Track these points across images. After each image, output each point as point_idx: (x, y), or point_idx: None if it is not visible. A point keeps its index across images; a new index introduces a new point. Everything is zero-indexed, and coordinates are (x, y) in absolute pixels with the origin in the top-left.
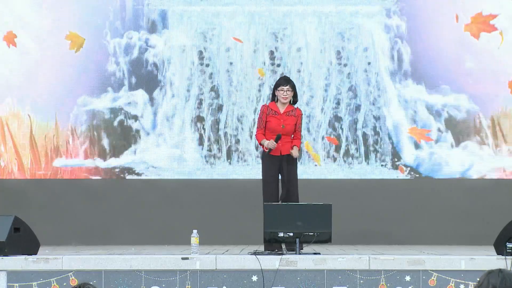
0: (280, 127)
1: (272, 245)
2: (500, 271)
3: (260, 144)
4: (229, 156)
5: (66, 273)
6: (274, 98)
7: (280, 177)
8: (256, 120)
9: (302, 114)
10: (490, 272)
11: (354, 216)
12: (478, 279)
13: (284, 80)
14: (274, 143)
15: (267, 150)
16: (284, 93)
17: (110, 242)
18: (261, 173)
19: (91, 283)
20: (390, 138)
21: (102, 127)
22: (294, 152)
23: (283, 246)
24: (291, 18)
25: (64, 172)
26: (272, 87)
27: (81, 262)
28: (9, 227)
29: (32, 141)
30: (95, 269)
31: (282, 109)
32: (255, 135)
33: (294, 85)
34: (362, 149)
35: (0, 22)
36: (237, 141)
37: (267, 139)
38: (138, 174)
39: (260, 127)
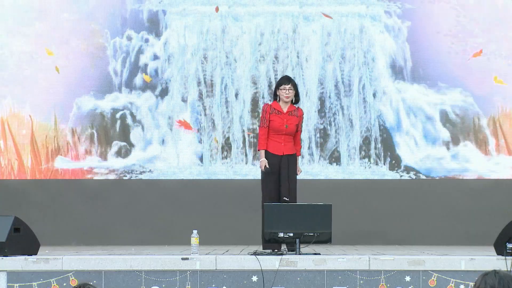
0: (283, 126)
1: (272, 245)
2: (495, 272)
3: (259, 149)
4: (229, 156)
5: (66, 274)
6: (276, 97)
7: (279, 176)
8: (259, 119)
9: (303, 115)
10: (486, 274)
11: (354, 216)
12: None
13: (286, 79)
14: (265, 167)
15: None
16: (286, 92)
17: (110, 242)
18: (260, 173)
19: (91, 283)
20: (390, 138)
21: (102, 127)
22: (299, 170)
23: (283, 246)
24: (292, 18)
25: (64, 172)
26: (274, 86)
27: (81, 262)
28: (9, 227)
29: (32, 141)
30: (95, 269)
31: (285, 109)
32: (259, 134)
33: (296, 84)
34: (362, 149)
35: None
36: (237, 141)
37: (270, 140)
38: (138, 174)
39: (264, 126)
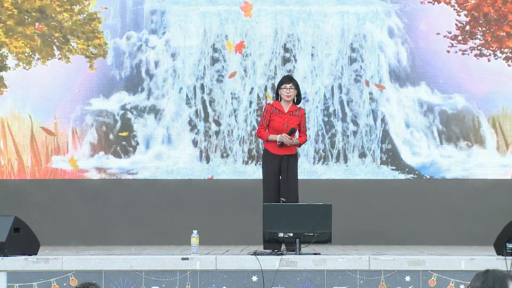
0: (284, 126)
1: (272, 245)
2: (486, 271)
3: (267, 140)
4: (229, 156)
5: (66, 273)
6: (277, 97)
7: (280, 176)
8: (260, 118)
9: (305, 114)
10: (477, 274)
11: (354, 216)
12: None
13: (287, 78)
14: (288, 136)
15: (279, 144)
16: (287, 91)
17: (110, 242)
18: (261, 173)
19: (93, 282)
20: (390, 138)
21: (102, 127)
22: (291, 136)
23: (283, 246)
24: (292, 18)
25: (64, 172)
26: (276, 86)
27: (81, 262)
28: (9, 227)
29: (32, 141)
30: (95, 269)
31: (286, 109)
32: (257, 132)
33: (297, 84)
34: (362, 149)
35: None
36: (237, 141)
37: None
38: (137, 174)
39: (263, 125)
